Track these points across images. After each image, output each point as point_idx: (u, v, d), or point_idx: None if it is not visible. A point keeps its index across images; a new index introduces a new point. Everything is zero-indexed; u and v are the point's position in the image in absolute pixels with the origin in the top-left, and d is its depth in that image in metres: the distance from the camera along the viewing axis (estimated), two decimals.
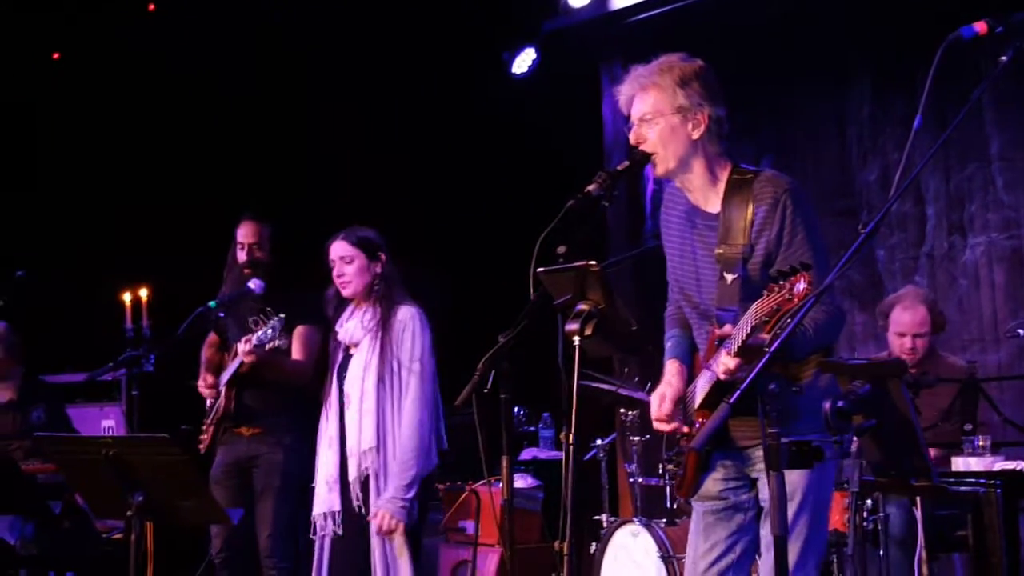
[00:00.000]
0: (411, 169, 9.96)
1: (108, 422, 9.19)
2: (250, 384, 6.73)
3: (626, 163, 4.24)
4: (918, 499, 5.96)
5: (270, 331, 6.39)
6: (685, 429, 4.27)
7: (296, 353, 6.81)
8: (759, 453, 4.14)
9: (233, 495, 6.67)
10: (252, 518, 6.64)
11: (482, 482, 7.66)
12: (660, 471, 7.28)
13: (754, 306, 3.76)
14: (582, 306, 4.37)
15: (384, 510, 5.73)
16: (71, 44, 10.30)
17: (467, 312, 8.91)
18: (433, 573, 8.09)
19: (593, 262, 4.40)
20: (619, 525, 7.27)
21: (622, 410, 7.50)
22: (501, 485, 4.72)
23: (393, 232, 6.10)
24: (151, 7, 10.10)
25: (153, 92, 10.11)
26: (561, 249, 4.26)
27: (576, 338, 4.35)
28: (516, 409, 8.98)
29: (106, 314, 7.66)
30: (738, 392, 3.30)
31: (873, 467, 5.13)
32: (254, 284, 6.69)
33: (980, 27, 3.52)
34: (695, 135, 4.14)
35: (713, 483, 4.31)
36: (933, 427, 6.41)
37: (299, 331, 6.81)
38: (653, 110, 4.15)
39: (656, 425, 4.30)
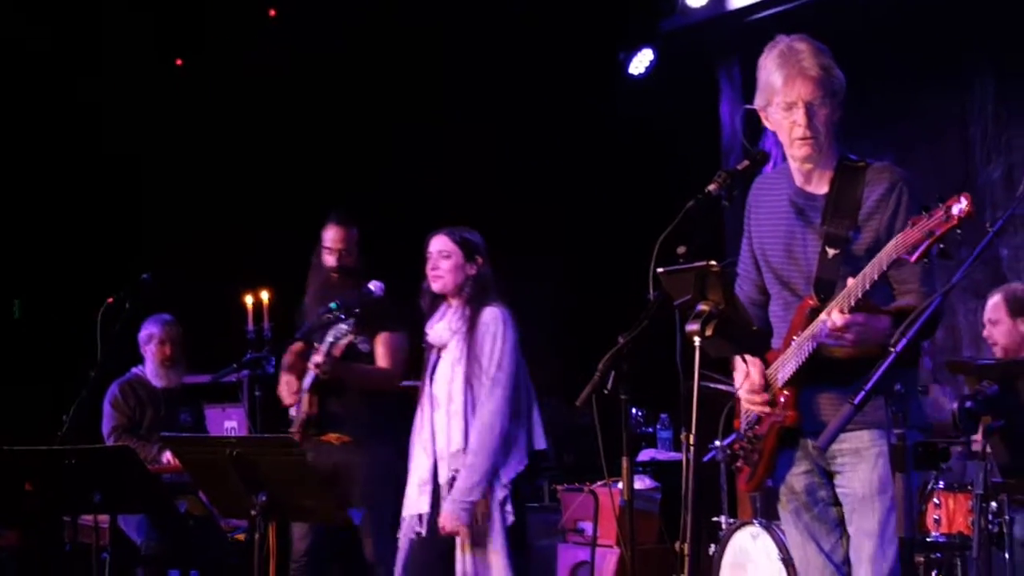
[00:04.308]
0: (529, 171, 9.99)
1: (231, 423, 9.32)
2: (333, 391, 6.56)
3: (746, 162, 4.24)
4: None
5: (338, 330, 6.28)
6: (768, 410, 4.23)
7: (381, 359, 6.67)
8: (844, 445, 4.08)
9: None
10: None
11: (601, 483, 7.67)
12: None
13: (894, 240, 3.72)
14: (702, 307, 4.33)
15: (447, 511, 5.71)
16: (193, 51, 10.49)
17: (587, 313, 8.91)
18: (551, 574, 8.12)
19: (713, 262, 4.37)
20: (738, 527, 7.21)
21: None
22: (621, 486, 4.71)
23: (511, 234, 6.08)
24: (272, 12, 10.25)
25: (274, 96, 10.26)
26: (681, 249, 4.24)
27: (696, 339, 4.32)
28: (634, 410, 8.96)
29: (229, 317, 7.77)
30: (863, 393, 3.27)
31: (1001, 468, 5.07)
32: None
33: None
34: (835, 117, 4.18)
35: (796, 478, 4.27)
36: None
37: (383, 337, 6.67)
38: (821, 96, 4.14)
39: (749, 398, 4.30)
